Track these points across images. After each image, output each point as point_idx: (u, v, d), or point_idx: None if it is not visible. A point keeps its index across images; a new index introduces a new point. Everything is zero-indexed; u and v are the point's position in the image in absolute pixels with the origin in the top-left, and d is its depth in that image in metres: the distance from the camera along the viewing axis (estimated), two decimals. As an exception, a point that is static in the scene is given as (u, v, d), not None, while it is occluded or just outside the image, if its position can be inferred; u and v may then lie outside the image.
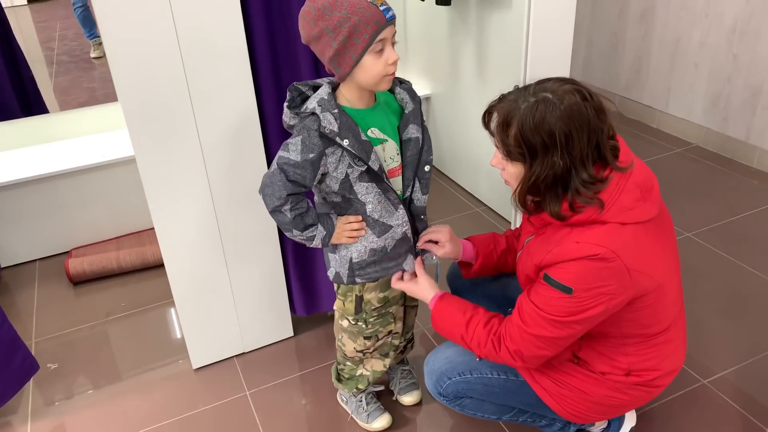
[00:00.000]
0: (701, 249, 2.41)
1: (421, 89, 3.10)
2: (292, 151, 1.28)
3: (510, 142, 1.19)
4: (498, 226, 2.66)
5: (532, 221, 1.34)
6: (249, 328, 1.98)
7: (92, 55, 3.50)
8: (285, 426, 1.76)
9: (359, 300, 1.51)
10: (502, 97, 1.24)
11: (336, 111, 1.27)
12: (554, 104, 1.14)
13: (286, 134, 1.77)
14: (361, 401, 1.72)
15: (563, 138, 1.14)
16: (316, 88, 1.35)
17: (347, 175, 1.32)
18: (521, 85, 1.26)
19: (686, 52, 3.16)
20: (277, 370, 1.94)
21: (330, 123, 1.26)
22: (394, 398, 1.80)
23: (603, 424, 1.55)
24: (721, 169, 3.00)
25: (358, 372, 1.67)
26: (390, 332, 1.61)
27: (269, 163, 1.77)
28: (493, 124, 1.25)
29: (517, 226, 2.11)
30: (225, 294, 1.88)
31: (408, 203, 1.43)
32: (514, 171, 1.24)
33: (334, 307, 1.61)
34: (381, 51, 1.23)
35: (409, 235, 1.45)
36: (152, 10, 1.46)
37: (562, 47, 2.09)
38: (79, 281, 2.47)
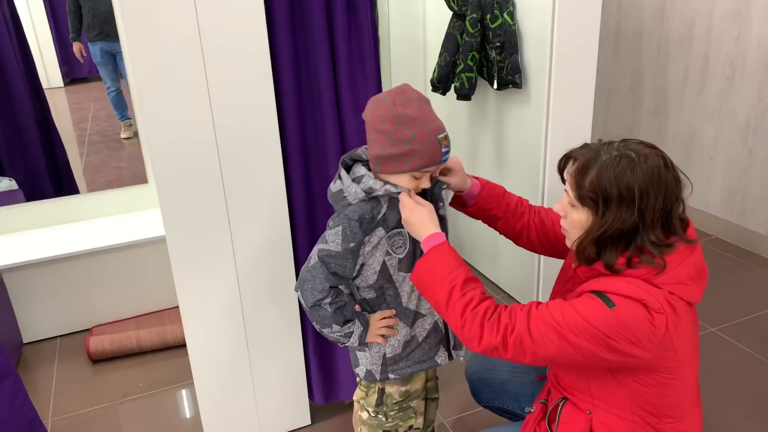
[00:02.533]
0: (726, 345, 2.38)
1: (441, 177, 3.18)
2: (331, 242, 1.31)
3: (585, 186, 1.19)
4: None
5: (579, 273, 1.31)
6: (267, 413, 1.95)
7: (122, 135, 3.66)
8: None
9: (381, 393, 1.50)
10: (584, 146, 1.26)
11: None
12: (636, 162, 1.17)
13: (311, 224, 1.84)
14: None
15: (639, 195, 1.15)
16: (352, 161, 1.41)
17: (384, 263, 1.35)
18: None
19: (701, 146, 3.24)
20: (293, 460, 1.90)
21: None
22: None
23: None
24: (741, 261, 2.99)
25: None
26: (411, 427, 1.58)
27: (296, 254, 1.82)
28: (568, 169, 1.26)
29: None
30: (245, 379, 1.87)
31: None
32: (578, 218, 1.23)
33: (354, 398, 1.59)
34: (419, 178, 1.31)
35: (441, 325, 1.46)
36: (192, 98, 1.55)
37: (580, 138, 2.17)
38: (98, 359, 2.48)
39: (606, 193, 1.18)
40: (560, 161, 1.31)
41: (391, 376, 1.45)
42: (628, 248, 1.19)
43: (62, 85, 3.54)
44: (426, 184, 1.33)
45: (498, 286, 2.87)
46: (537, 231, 1.58)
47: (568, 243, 1.30)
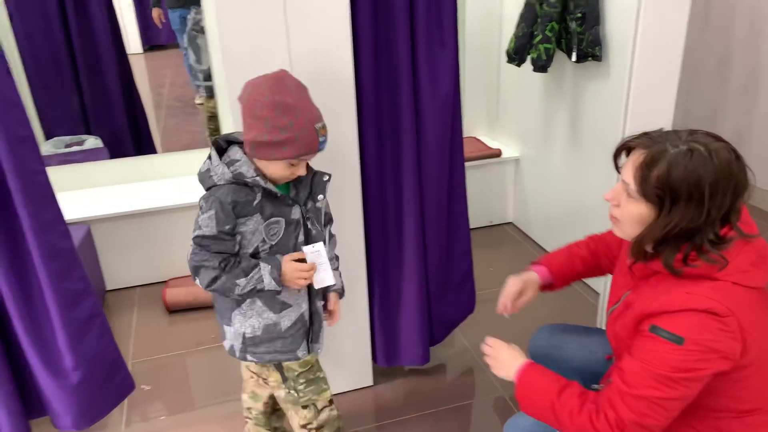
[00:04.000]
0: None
1: (510, 151, 3.15)
2: (205, 226, 1.34)
3: (651, 181, 1.14)
4: (582, 294, 2.61)
5: (634, 270, 1.29)
6: (331, 371, 2.01)
7: (197, 101, 3.78)
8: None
9: (279, 367, 1.50)
10: (645, 135, 1.21)
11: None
12: (707, 157, 1.11)
13: (383, 197, 1.87)
14: None
15: (709, 193, 1.11)
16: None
17: (257, 248, 1.38)
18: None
19: (791, 130, 3.06)
20: (352, 419, 1.96)
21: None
22: None
23: None
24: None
25: None
26: (329, 401, 1.58)
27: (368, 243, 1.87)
28: (629, 159, 1.21)
29: (606, 295, 2.08)
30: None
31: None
32: (636, 212, 1.19)
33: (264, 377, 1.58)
34: (295, 165, 1.33)
35: (306, 317, 1.47)
36: (273, 62, 1.59)
37: (662, 119, 2.09)
38: (174, 310, 2.62)
39: (674, 190, 1.12)
40: (617, 149, 1.26)
41: (249, 357, 1.46)
42: (686, 246, 1.15)
43: (141, 51, 3.68)
44: (302, 171, 1.35)
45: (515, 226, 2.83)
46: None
47: (617, 232, 1.27)
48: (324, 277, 1.41)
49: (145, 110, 3.51)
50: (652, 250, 1.20)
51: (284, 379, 1.51)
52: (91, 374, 1.79)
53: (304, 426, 1.56)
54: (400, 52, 1.71)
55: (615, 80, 2.25)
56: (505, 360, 1.37)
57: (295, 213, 1.40)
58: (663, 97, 2.06)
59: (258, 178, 1.31)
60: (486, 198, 3.20)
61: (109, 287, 2.79)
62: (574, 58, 2.36)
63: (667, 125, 2.12)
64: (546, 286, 1.60)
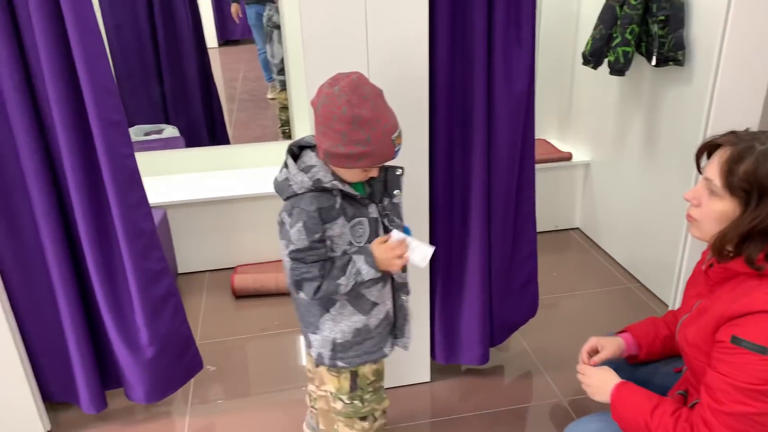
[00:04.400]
0: None
1: (581, 155, 3.08)
2: (296, 240, 1.31)
3: (738, 174, 1.14)
4: (651, 305, 2.53)
5: (711, 275, 1.26)
6: (388, 365, 2.03)
7: (268, 96, 3.88)
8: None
9: (354, 376, 1.47)
10: (733, 133, 1.22)
11: None
12: None
13: (450, 196, 1.87)
14: None
15: None
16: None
17: (344, 253, 1.35)
18: None
19: None
20: (407, 414, 1.98)
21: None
22: None
23: None
24: None
25: None
26: (384, 411, 1.56)
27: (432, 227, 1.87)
28: (714, 156, 1.21)
29: (676, 306, 2.02)
30: (373, 329, 1.97)
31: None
32: (720, 209, 1.18)
33: (325, 390, 1.51)
34: (368, 171, 1.31)
35: (391, 313, 1.46)
36: (351, 59, 1.62)
37: (747, 125, 2.00)
38: (240, 295, 2.71)
39: (762, 184, 1.12)
40: (701, 148, 1.25)
41: (339, 363, 1.43)
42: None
43: (217, 45, 3.81)
44: (374, 174, 1.33)
45: (632, 275, 2.75)
46: None
47: (694, 232, 1.26)
48: (419, 254, 1.34)
49: (221, 102, 3.64)
50: (733, 249, 1.19)
51: (353, 389, 1.47)
52: (164, 350, 1.89)
53: None
54: (476, 49, 1.71)
55: (697, 85, 2.17)
56: (599, 383, 1.38)
57: (372, 211, 1.39)
58: (749, 103, 1.98)
59: (336, 182, 1.29)
60: (553, 202, 3.15)
61: (181, 270, 2.92)
62: (654, 62, 2.29)
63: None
64: (631, 357, 1.57)
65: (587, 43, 2.50)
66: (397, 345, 1.51)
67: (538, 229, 3.11)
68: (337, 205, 1.31)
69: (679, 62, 2.21)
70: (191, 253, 2.91)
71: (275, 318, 2.55)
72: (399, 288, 1.47)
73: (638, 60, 2.45)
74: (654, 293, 2.60)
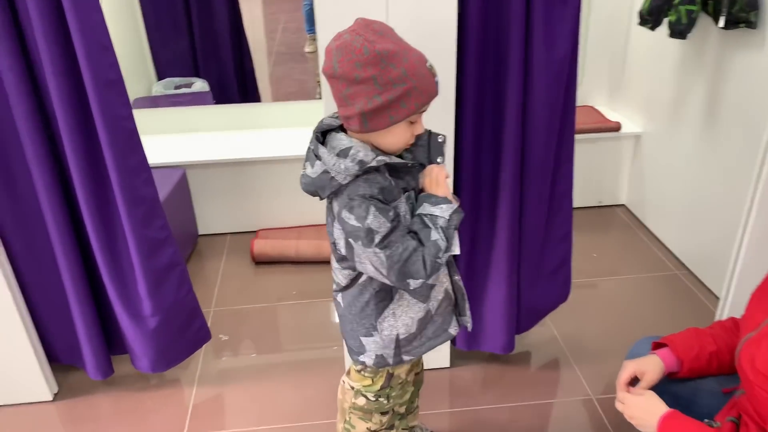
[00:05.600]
0: None
1: (631, 125, 2.83)
2: (377, 228, 1.10)
3: None
4: (700, 296, 2.31)
5: None
6: (405, 347, 1.93)
7: (306, 49, 3.72)
8: (424, 461, 1.68)
9: (389, 377, 1.36)
10: None
11: None
12: None
13: (477, 168, 1.70)
14: None
15: None
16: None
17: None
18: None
19: None
20: (425, 400, 1.86)
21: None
22: None
23: None
24: None
25: None
26: (403, 403, 1.46)
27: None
28: None
29: (729, 302, 1.80)
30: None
31: None
32: None
33: (353, 385, 1.40)
34: (415, 122, 1.12)
35: (450, 291, 1.30)
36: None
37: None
38: (260, 261, 2.62)
39: None
40: None
41: (405, 358, 1.29)
42: None
43: (260, -7, 3.66)
44: (420, 129, 1.13)
45: (679, 260, 2.53)
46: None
47: None
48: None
49: (252, 57, 3.49)
50: None
51: (383, 388, 1.37)
52: (168, 321, 1.81)
53: (374, 431, 1.44)
54: (512, 7, 1.49)
55: (771, 52, 1.90)
56: (642, 414, 1.22)
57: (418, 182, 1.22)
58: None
59: (381, 157, 1.10)
60: (598, 176, 2.91)
61: (201, 232, 2.84)
62: (722, 23, 2.01)
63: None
64: (672, 373, 1.38)
65: (645, 1, 2.23)
66: (462, 323, 1.37)
67: (579, 205, 2.93)
68: (392, 184, 1.14)
69: (751, 24, 1.94)
70: (212, 214, 2.82)
71: (293, 287, 2.45)
72: (450, 266, 1.32)
73: (703, 21, 2.17)
74: (704, 283, 2.37)
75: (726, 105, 2.18)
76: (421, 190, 1.21)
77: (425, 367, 1.94)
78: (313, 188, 1.16)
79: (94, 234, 1.67)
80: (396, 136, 1.11)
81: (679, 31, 2.13)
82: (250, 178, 2.75)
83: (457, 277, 1.33)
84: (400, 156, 1.17)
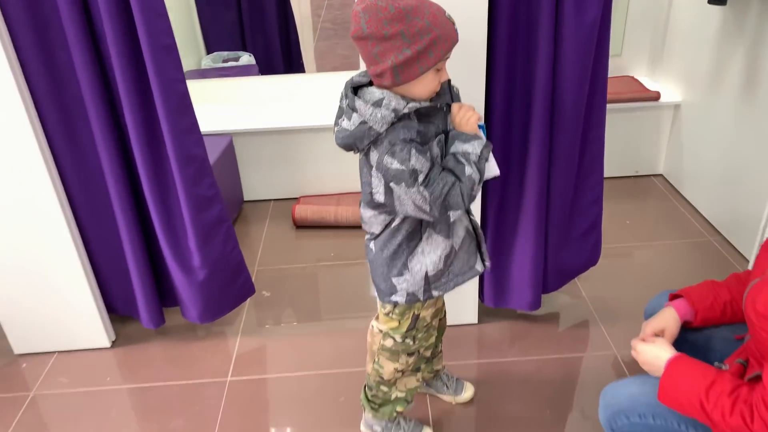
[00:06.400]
0: None
1: (670, 95, 2.81)
2: (420, 165, 1.19)
3: None
4: (732, 261, 2.33)
5: None
6: (437, 304, 2.02)
7: (352, 25, 3.78)
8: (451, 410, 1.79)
9: (415, 318, 1.45)
10: None
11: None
12: None
13: (509, 125, 1.76)
14: (400, 423, 1.64)
15: None
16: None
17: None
18: None
19: None
20: (453, 352, 1.95)
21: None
22: (452, 402, 1.79)
23: None
24: None
25: (393, 395, 1.58)
26: (428, 346, 1.56)
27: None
28: None
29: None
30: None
31: None
32: None
33: (381, 328, 1.49)
34: (440, 70, 1.20)
35: (471, 228, 1.40)
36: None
37: None
38: (301, 225, 2.75)
39: None
40: None
41: (435, 293, 1.39)
42: None
43: (307, -30, 3.72)
44: (445, 75, 1.23)
45: (714, 227, 2.53)
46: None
47: None
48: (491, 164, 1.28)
49: (297, 30, 3.59)
50: None
51: (409, 329, 1.46)
52: (216, 274, 1.95)
53: (401, 371, 1.54)
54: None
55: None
56: (652, 360, 1.28)
57: (444, 124, 1.31)
58: None
59: (412, 104, 1.19)
60: (636, 145, 2.92)
61: (246, 198, 2.98)
62: (762, -12, 2.00)
63: None
64: (686, 323, 1.43)
65: (685, -33, 2.22)
66: (483, 262, 1.46)
67: (617, 174, 2.95)
68: (424, 130, 1.23)
69: (791, -11, 1.92)
70: (257, 181, 2.96)
71: (331, 250, 2.57)
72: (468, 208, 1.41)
73: (744, -13, 2.15)
74: (737, 249, 2.38)
75: (766, 73, 2.16)
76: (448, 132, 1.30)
77: (454, 323, 2.05)
78: (351, 140, 1.23)
79: (149, 191, 1.82)
80: (425, 85, 1.20)
81: (717, -2, 2.12)
82: (293, 147, 2.87)
83: (473, 217, 1.42)
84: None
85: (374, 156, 1.22)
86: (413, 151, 1.18)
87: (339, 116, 1.28)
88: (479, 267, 1.44)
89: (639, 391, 1.32)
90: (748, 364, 1.24)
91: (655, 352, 1.28)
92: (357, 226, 2.71)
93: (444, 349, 1.79)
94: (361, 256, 2.50)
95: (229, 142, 2.74)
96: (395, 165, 1.18)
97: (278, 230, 2.75)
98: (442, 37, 1.15)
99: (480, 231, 1.44)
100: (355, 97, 1.22)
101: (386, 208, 1.30)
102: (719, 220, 2.52)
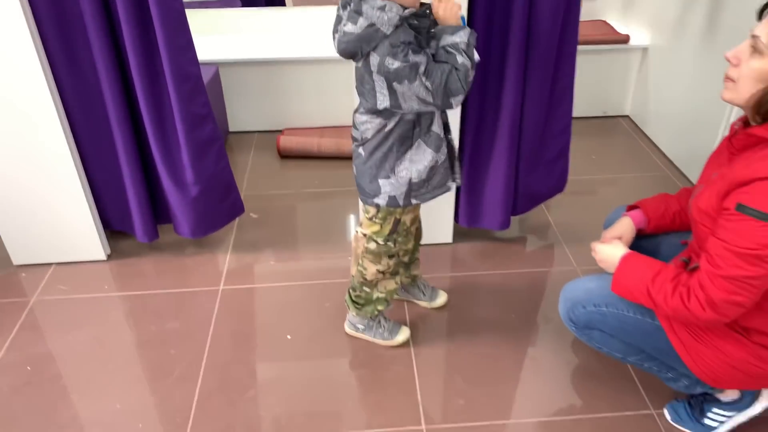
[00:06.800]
0: None
1: (639, 39, 2.96)
2: (420, 58, 1.32)
3: None
4: (677, 183, 2.52)
5: (734, 143, 1.28)
6: (415, 224, 2.17)
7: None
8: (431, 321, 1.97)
9: (397, 222, 1.60)
10: None
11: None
12: None
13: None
14: (380, 322, 1.82)
15: None
16: None
17: None
18: None
19: None
20: (429, 266, 2.12)
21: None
22: (427, 307, 1.98)
23: (734, 395, 1.52)
24: None
25: (374, 296, 1.74)
26: (406, 250, 1.71)
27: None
28: (764, 17, 1.22)
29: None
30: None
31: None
32: (759, 67, 1.19)
33: (364, 232, 1.65)
34: None
35: (446, 147, 1.54)
36: None
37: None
38: (285, 155, 2.86)
39: None
40: (763, 7, 1.21)
41: (413, 201, 1.54)
42: None
43: None
44: None
45: (672, 162, 2.73)
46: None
47: (727, 95, 1.25)
48: None
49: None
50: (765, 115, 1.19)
51: (391, 232, 1.61)
52: (208, 190, 2.07)
53: (382, 272, 1.69)
54: None
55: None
56: (608, 258, 1.45)
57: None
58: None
59: (409, 9, 1.32)
60: (605, 87, 3.07)
61: (231, 129, 3.07)
62: (726, -68, 2.13)
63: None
64: (640, 230, 1.61)
65: None
66: (455, 180, 1.61)
67: (586, 114, 3.11)
68: (417, 39, 1.35)
69: (753, -67, 2.05)
70: (243, 113, 3.04)
71: (315, 178, 2.70)
72: (446, 128, 1.54)
73: (712, -68, 2.28)
74: (691, 180, 2.58)
75: (724, 21, 2.31)
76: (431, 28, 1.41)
77: (432, 242, 2.21)
78: (357, 43, 1.33)
79: (145, 108, 1.91)
80: None
81: (685, -60, 2.24)
82: (278, 79, 2.95)
83: (450, 136, 1.56)
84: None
85: (374, 60, 1.33)
86: (408, 49, 1.31)
87: (338, 23, 1.38)
88: (450, 184, 1.59)
89: (594, 285, 1.50)
90: (690, 261, 1.42)
91: (611, 251, 1.45)
92: (340, 158, 2.83)
93: (421, 264, 1.96)
94: (344, 184, 2.64)
95: (215, 71, 2.80)
96: (396, 65, 1.30)
97: (263, 160, 2.86)
98: None
99: (456, 152, 1.59)
100: (361, 1, 1.31)
101: (383, 113, 1.42)
102: (677, 156, 2.72)
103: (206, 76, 2.71)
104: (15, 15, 1.71)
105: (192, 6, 3.28)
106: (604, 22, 3.09)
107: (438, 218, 2.17)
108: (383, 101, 1.39)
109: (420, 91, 1.34)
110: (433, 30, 1.41)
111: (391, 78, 1.33)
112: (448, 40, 1.36)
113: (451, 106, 1.39)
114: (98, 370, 1.77)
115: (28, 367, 1.78)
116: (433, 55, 1.37)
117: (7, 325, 1.93)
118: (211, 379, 1.73)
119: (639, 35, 2.97)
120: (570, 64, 1.98)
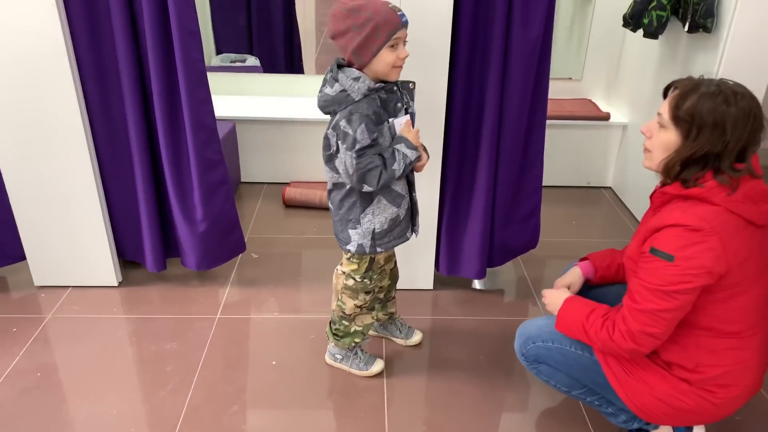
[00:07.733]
0: None
1: (620, 116, 3.23)
2: (361, 139, 1.55)
3: (682, 110, 1.36)
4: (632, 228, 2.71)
5: (653, 199, 1.50)
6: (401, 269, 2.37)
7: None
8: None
9: (371, 261, 1.80)
10: (689, 78, 1.43)
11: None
12: (732, 98, 1.33)
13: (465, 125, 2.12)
14: (357, 353, 1.99)
15: (730, 127, 1.32)
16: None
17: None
18: None
19: None
20: (410, 309, 2.30)
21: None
22: (403, 344, 2.14)
23: (668, 430, 1.66)
24: None
25: (352, 329, 1.92)
26: (381, 287, 1.91)
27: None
28: (669, 95, 1.43)
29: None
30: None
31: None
32: (665, 139, 1.40)
33: (343, 271, 1.84)
34: (395, 47, 1.54)
35: (409, 204, 1.77)
36: None
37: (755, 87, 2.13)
38: (290, 205, 3.12)
39: (702, 119, 1.34)
40: (666, 88, 1.46)
41: (379, 249, 1.75)
42: (705, 169, 1.36)
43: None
44: (403, 52, 1.56)
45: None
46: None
47: (646, 163, 1.48)
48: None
49: (300, 36, 3.97)
50: (678, 172, 1.41)
51: (367, 270, 1.80)
52: (214, 228, 2.31)
53: (359, 306, 1.87)
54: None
55: (721, 52, 2.29)
56: (554, 301, 1.64)
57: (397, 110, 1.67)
58: (758, 66, 2.09)
59: (380, 83, 1.57)
60: (589, 159, 3.32)
61: (243, 179, 3.35)
62: (686, 27, 2.41)
63: (760, 93, 2.17)
64: (587, 280, 1.82)
65: (629, 6, 2.64)
66: (415, 232, 1.84)
67: (571, 184, 3.35)
68: (381, 109, 1.59)
69: (707, 29, 2.33)
70: (254, 165, 3.33)
71: (314, 226, 2.94)
72: (411, 186, 1.78)
73: (677, 25, 2.57)
74: (636, 217, 2.76)
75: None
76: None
77: (412, 288, 2.40)
78: (331, 103, 1.59)
79: (165, 151, 2.18)
80: (384, 60, 1.55)
81: (650, 33, 2.54)
82: (288, 136, 3.25)
83: (414, 194, 1.79)
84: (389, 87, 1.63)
85: (336, 117, 1.59)
86: (363, 125, 1.54)
87: (323, 85, 1.65)
88: (409, 235, 1.82)
89: (544, 323, 1.69)
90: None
91: (557, 295, 1.65)
92: (338, 209, 3.08)
93: (400, 308, 2.15)
94: (340, 232, 2.87)
95: (231, 127, 3.11)
96: (346, 129, 1.55)
97: (269, 208, 3.12)
98: (384, 22, 1.50)
99: (416, 208, 1.82)
100: (339, 71, 1.59)
101: (332, 163, 1.66)
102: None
103: (224, 130, 3.01)
104: (64, 71, 2.01)
105: (220, 70, 3.65)
106: (589, 100, 3.38)
107: (420, 265, 2.38)
108: (327, 152, 1.64)
109: (347, 161, 1.57)
110: (410, 111, 1.68)
111: (339, 136, 1.58)
112: (402, 148, 1.61)
113: (361, 189, 1.63)
114: (99, 379, 1.96)
115: (38, 374, 1.98)
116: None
117: (24, 337, 2.14)
118: (200, 394, 1.91)
119: (619, 113, 3.24)
120: (540, 133, 2.22)
